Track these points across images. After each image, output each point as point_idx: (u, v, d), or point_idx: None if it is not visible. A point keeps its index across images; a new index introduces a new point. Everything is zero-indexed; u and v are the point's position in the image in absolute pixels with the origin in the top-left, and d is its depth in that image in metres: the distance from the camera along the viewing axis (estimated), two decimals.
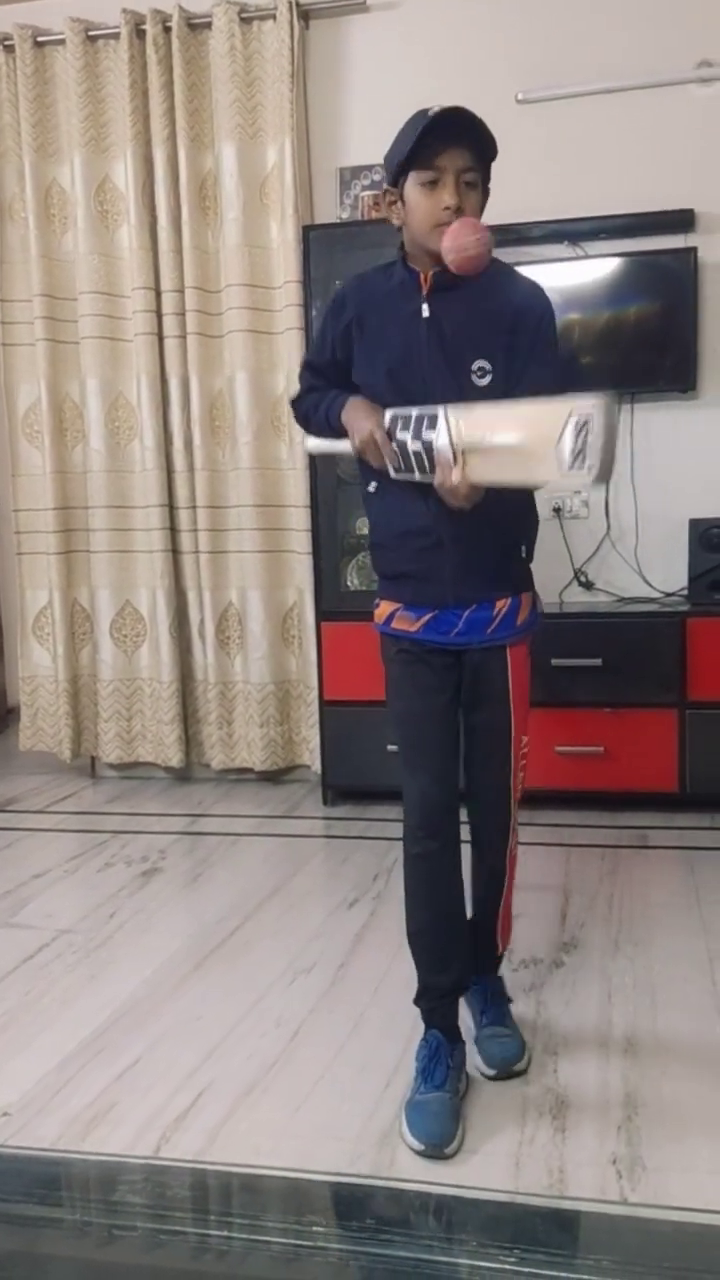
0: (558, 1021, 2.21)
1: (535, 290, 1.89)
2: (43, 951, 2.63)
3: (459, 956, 1.98)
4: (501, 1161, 1.76)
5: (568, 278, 3.67)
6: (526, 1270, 1.55)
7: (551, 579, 3.84)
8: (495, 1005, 2.12)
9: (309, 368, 2.02)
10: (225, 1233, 1.69)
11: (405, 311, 1.84)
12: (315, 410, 1.96)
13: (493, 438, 1.69)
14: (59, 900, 2.98)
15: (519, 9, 3.72)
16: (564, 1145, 1.80)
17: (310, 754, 3.98)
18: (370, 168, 3.82)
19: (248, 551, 3.95)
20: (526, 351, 1.83)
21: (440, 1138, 1.79)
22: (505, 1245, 1.61)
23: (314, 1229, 1.70)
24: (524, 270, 3.66)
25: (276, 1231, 1.70)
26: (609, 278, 3.65)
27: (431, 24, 3.79)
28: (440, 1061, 1.91)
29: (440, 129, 1.78)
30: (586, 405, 1.63)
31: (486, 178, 1.86)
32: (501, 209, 3.66)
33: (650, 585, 3.79)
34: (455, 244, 1.75)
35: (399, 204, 1.84)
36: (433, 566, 1.88)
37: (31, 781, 4.23)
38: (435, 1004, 1.97)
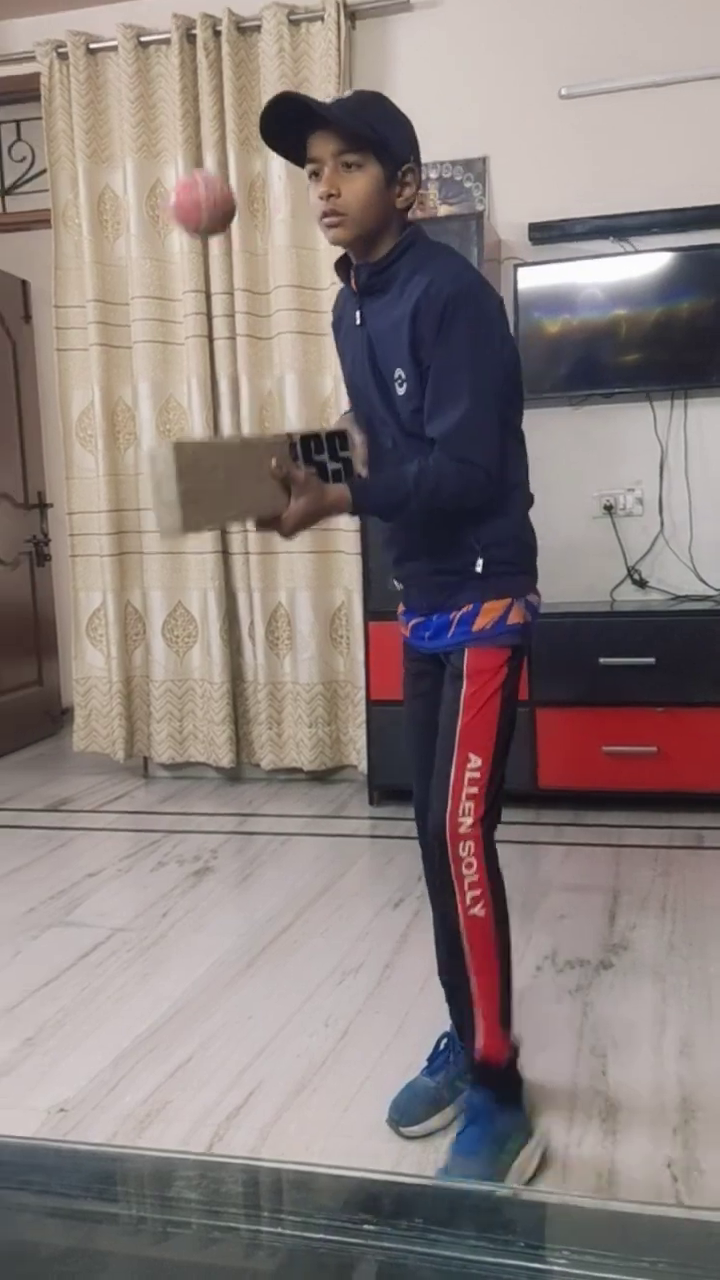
0: (607, 1023, 2.20)
1: (438, 277, 1.66)
2: (97, 950, 2.67)
3: (452, 968, 1.84)
4: (548, 1162, 1.76)
5: (616, 273, 3.64)
6: (577, 1272, 1.54)
7: (604, 577, 3.81)
8: (469, 1124, 1.77)
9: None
10: (277, 1229, 1.70)
11: (351, 320, 1.80)
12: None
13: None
14: (113, 899, 3.02)
15: (561, 5, 3.70)
16: (615, 1148, 1.79)
17: (357, 754, 3.99)
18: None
19: (297, 552, 3.97)
20: (431, 351, 1.66)
21: (402, 1117, 1.86)
22: (554, 1246, 1.61)
23: (364, 1227, 1.71)
24: (568, 266, 3.70)
25: (326, 1229, 1.70)
26: (658, 273, 3.61)
27: (474, 21, 3.78)
28: (441, 1053, 1.95)
29: (285, 118, 1.66)
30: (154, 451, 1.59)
31: (388, 156, 1.67)
32: (545, 205, 3.70)
33: (705, 583, 3.75)
34: (172, 199, 1.70)
35: None
36: (406, 575, 1.89)
37: (86, 781, 4.29)
38: (447, 995, 1.93)
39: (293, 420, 3.89)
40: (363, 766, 3.92)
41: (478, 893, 1.72)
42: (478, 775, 1.74)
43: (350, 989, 2.41)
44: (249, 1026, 2.25)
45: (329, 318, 3.78)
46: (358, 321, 1.78)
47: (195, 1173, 1.78)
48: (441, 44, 3.81)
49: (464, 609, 1.77)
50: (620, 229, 3.66)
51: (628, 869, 3.05)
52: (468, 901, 1.72)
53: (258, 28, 3.84)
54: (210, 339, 3.98)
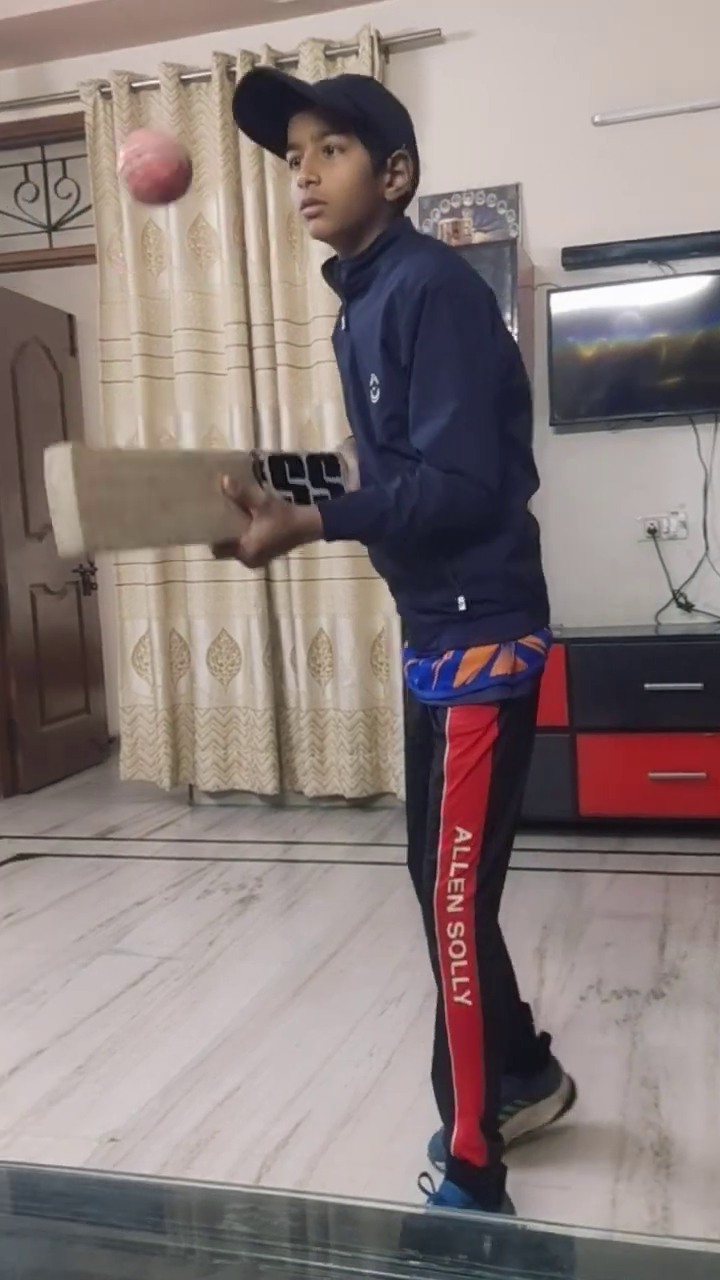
0: (659, 1054, 2.17)
1: (418, 270, 1.46)
2: (146, 978, 2.69)
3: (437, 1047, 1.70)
4: (596, 1198, 1.74)
5: (655, 297, 3.64)
6: None
7: (648, 601, 3.79)
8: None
9: None
10: (324, 1264, 1.70)
11: (339, 327, 1.64)
12: None
13: None
14: (160, 927, 3.04)
15: (591, 33, 3.73)
16: (668, 1183, 1.77)
17: (396, 781, 4.00)
18: (450, 195, 3.85)
19: (338, 579, 3.99)
20: (409, 350, 1.46)
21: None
22: None
23: (410, 1263, 1.70)
24: (603, 290, 3.72)
25: (375, 1264, 1.70)
26: (699, 296, 3.61)
27: (505, 51, 3.82)
28: None
29: (261, 96, 1.48)
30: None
31: (375, 139, 1.49)
32: (577, 231, 3.72)
33: None
34: (122, 164, 1.50)
35: None
36: (398, 607, 1.70)
37: (132, 809, 4.32)
38: None
39: (331, 449, 3.92)
40: (401, 794, 3.92)
41: (465, 979, 1.57)
42: (467, 850, 1.55)
43: (393, 1018, 2.40)
44: (296, 1055, 2.26)
45: None
46: (343, 328, 1.61)
47: (244, 1205, 1.79)
48: (473, 74, 3.85)
49: (445, 657, 1.57)
50: (660, 252, 3.66)
51: (677, 897, 3.02)
52: (453, 987, 1.58)
53: (295, 63, 3.90)
54: (251, 369, 4.03)
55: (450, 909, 1.57)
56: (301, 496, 1.58)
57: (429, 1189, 1.66)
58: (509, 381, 1.55)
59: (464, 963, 1.57)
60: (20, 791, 4.68)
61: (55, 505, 1.33)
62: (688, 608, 3.78)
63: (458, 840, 1.56)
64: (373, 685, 4.05)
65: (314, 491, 1.59)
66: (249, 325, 4.02)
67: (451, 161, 3.87)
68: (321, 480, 1.60)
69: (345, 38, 3.86)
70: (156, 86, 4.05)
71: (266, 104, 1.49)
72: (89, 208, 4.27)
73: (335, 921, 2.99)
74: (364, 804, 4.12)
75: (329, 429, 3.94)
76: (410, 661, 1.67)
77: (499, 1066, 1.62)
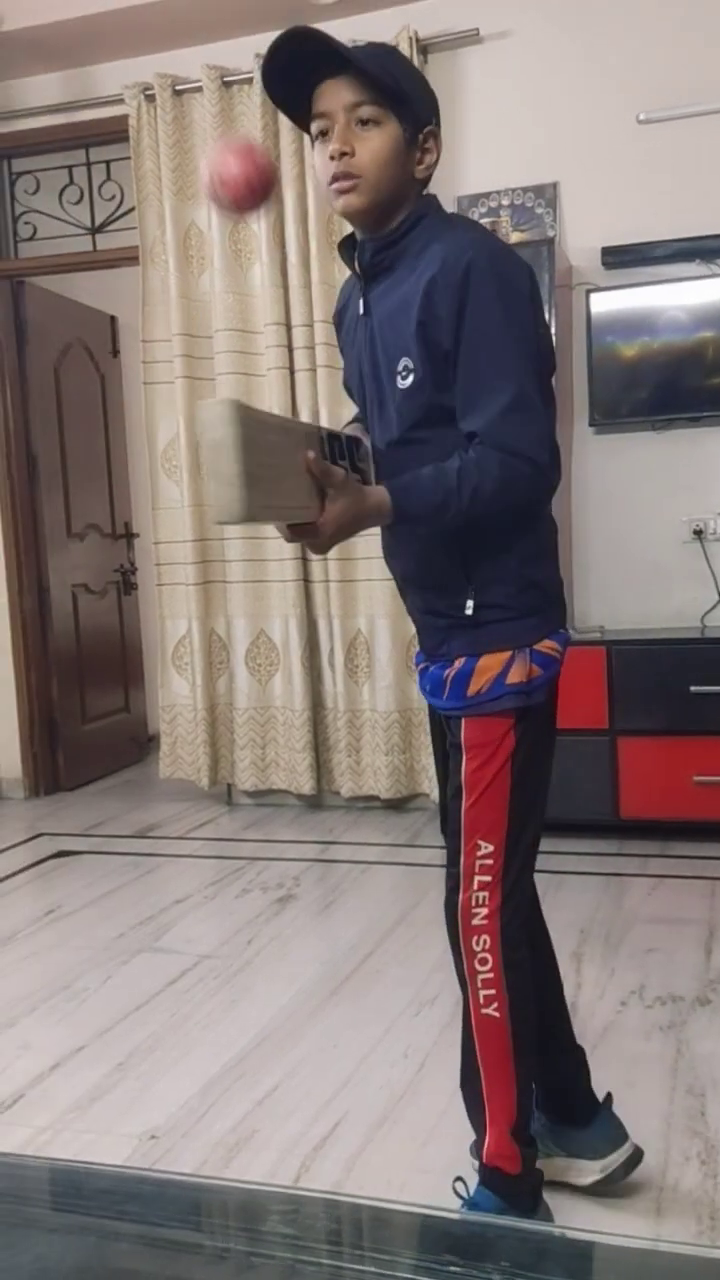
0: (705, 1062, 2.14)
1: (460, 248, 1.40)
2: (185, 976, 2.69)
3: (547, 1066, 1.69)
4: (641, 1206, 1.72)
5: (701, 296, 3.60)
6: None
7: (694, 602, 3.75)
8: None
9: (345, 388, 1.75)
10: (360, 1266, 1.69)
11: (355, 310, 1.58)
12: None
13: None
14: (199, 925, 3.05)
15: (631, 32, 3.70)
16: (716, 1191, 1.74)
17: (430, 782, 3.98)
18: (488, 195, 3.84)
19: (376, 580, 3.98)
20: (454, 335, 1.39)
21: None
22: None
23: (450, 1268, 1.69)
24: (645, 290, 3.68)
25: (411, 1269, 1.68)
26: None
27: (544, 50, 3.80)
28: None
29: (298, 57, 1.39)
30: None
31: (409, 114, 1.43)
32: (617, 230, 3.69)
33: None
34: (207, 174, 1.40)
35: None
36: (409, 607, 1.63)
37: (172, 808, 4.34)
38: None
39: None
40: (435, 796, 3.91)
41: (492, 992, 1.53)
42: (490, 863, 1.51)
43: (427, 1019, 2.39)
44: (333, 1056, 2.25)
45: None
46: (361, 311, 1.54)
47: (284, 1206, 1.78)
48: (512, 74, 3.83)
49: (457, 665, 1.51)
50: (706, 251, 3.62)
51: None
52: (480, 1000, 1.54)
53: None
54: (291, 370, 4.03)
55: (475, 922, 1.53)
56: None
57: (464, 1194, 1.63)
58: (547, 370, 1.49)
59: (490, 975, 1.53)
60: (61, 789, 4.71)
61: (218, 468, 1.22)
62: None
63: (480, 854, 1.51)
64: (408, 686, 4.04)
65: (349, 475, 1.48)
66: (289, 327, 4.02)
67: (489, 161, 3.85)
68: (354, 463, 1.50)
69: (385, 38, 3.84)
70: (199, 89, 4.07)
71: (297, 69, 1.41)
72: (132, 210, 4.29)
73: (371, 922, 2.99)
74: (398, 805, 4.11)
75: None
76: (421, 666, 1.61)
77: (529, 1074, 1.59)
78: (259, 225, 4.02)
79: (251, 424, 1.24)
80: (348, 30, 3.84)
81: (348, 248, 1.56)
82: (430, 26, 3.83)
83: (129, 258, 4.33)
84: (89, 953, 2.87)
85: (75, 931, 3.04)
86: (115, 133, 4.25)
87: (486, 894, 1.51)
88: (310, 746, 4.11)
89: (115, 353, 5.26)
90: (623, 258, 3.70)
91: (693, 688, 3.38)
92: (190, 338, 4.13)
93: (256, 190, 1.41)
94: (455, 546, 1.49)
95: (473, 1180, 1.65)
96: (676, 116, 3.67)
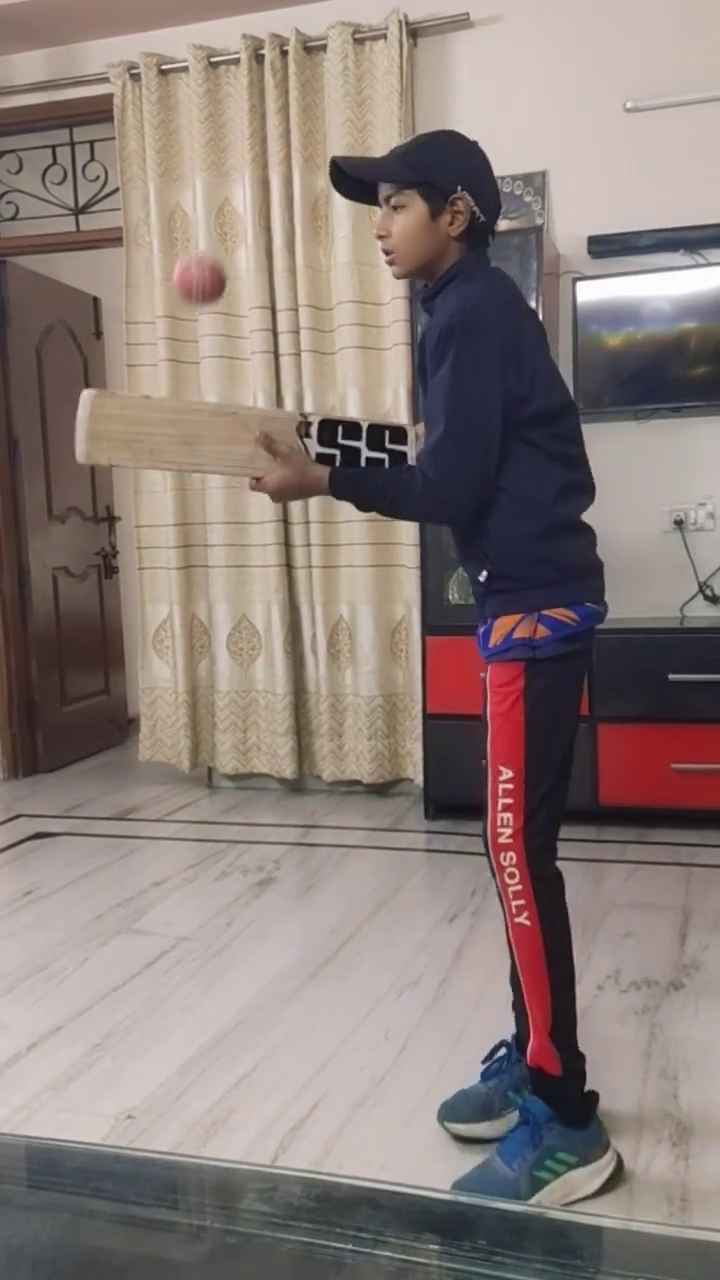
0: (678, 1045, 2.17)
1: (451, 306, 1.74)
2: (163, 958, 2.70)
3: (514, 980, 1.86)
4: (614, 1189, 1.74)
5: (684, 286, 3.61)
6: None
7: (674, 592, 3.77)
8: (517, 1127, 1.78)
9: None
10: (338, 1244, 1.70)
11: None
12: None
13: None
14: (178, 908, 3.05)
15: (622, 19, 3.69)
16: (687, 1173, 1.76)
17: (414, 767, 4.00)
18: None
19: (358, 566, 3.99)
20: (433, 377, 1.77)
21: (449, 1114, 1.91)
22: (624, 1273, 1.58)
23: (430, 1247, 1.70)
24: (631, 279, 3.69)
25: (391, 1246, 1.70)
26: None
27: (535, 38, 3.79)
28: (496, 1060, 1.96)
29: (342, 180, 1.83)
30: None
31: (431, 191, 1.75)
32: (604, 219, 3.69)
33: None
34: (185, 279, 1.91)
35: None
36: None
37: (151, 791, 4.34)
38: (513, 1004, 1.91)
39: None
40: (419, 780, 3.92)
41: (522, 902, 1.74)
42: (510, 787, 1.75)
43: (409, 1002, 2.41)
44: (313, 1037, 2.26)
45: (390, 333, 3.89)
46: (419, 339, 1.87)
47: (261, 1184, 1.79)
48: (502, 60, 3.82)
49: (487, 622, 1.81)
50: (691, 241, 3.63)
51: (699, 888, 3.01)
52: (513, 910, 1.75)
53: (323, 47, 3.88)
54: (276, 354, 4.02)
55: (501, 840, 1.76)
56: (352, 456, 1.84)
57: (519, 1102, 1.82)
58: (538, 398, 1.74)
59: (519, 887, 1.74)
60: (40, 771, 4.70)
61: (76, 429, 1.80)
62: (714, 600, 3.75)
63: (501, 779, 1.76)
64: (392, 672, 4.05)
65: (367, 454, 1.85)
66: (273, 310, 4.01)
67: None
68: (382, 446, 1.86)
69: (374, 21, 3.83)
70: (185, 69, 4.04)
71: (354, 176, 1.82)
72: (116, 190, 4.26)
73: (352, 905, 3.00)
74: (381, 790, 4.12)
75: (353, 414, 3.92)
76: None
77: (565, 981, 1.76)
78: (244, 208, 4.00)
79: (114, 405, 1.85)
80: (337, 13, 3.83)
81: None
82: (420, 10, 3.82)
83: (113, 239, 4.29)
84: (67, 934, 2.87)
85: (53, 913, 3.04)
86: (100, 112, 4.21)
87: (510, 815, 1.75)
88: (292, 731, 4.11)
89: (98, 334, 5.23)
90: (609, 247, 3.70)
91: (671, 676, 3.40)
92: (174, 320, 4.11)
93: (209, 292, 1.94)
94: (475, 529, 1.78)
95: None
96: (664, 105, 3.67)
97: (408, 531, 3.91)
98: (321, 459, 1.83)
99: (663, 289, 3.62)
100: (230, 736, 4.23)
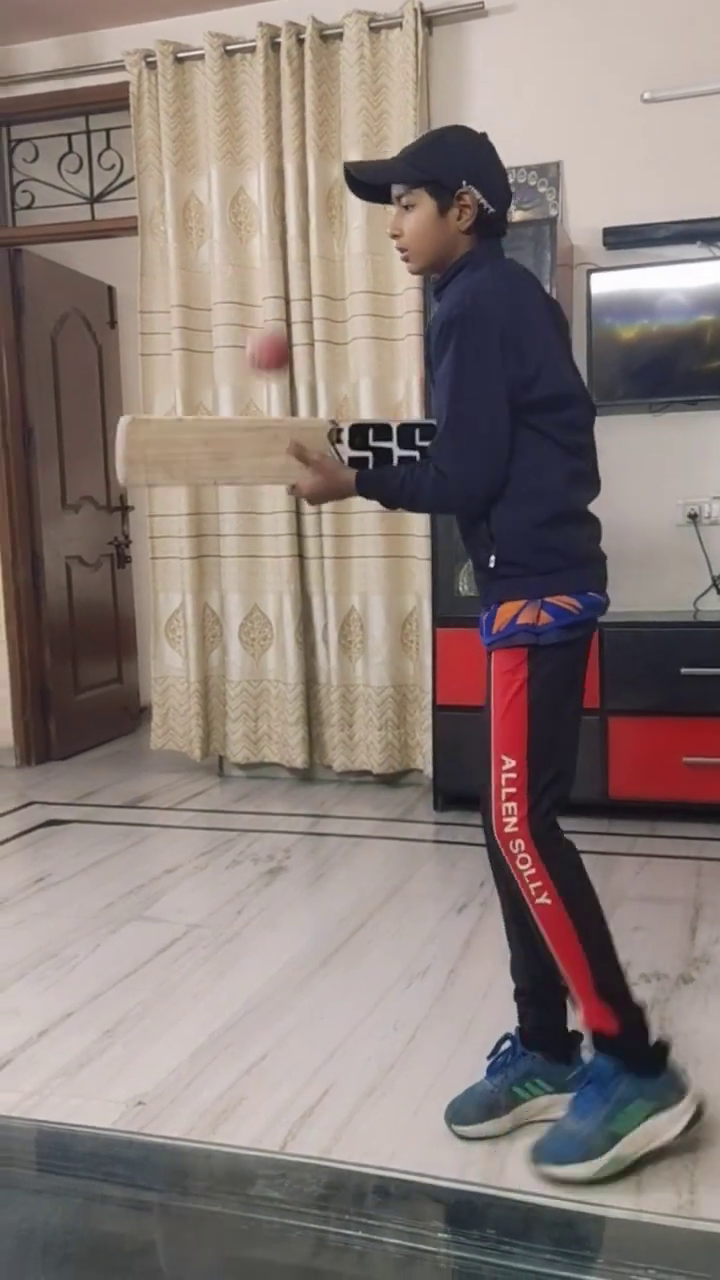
0: (688, 1039, 2.17)
1: (453, 297, 1.79)
2: (174, 945, 2.71)
3: (517, 957, 1.93)
4: (623, 1180, 1.74)
5: (701, 279, 3.59)
6: None
7: (687, 586, 3.76)
8: (586, 1085, 1.82)
9: None
10: (346, 1231, 1.72)
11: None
12: None
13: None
14: (189, 896, 3.06)
15: (638, 8, 3.67)
16: (695, 1167, 1.77)
17: (423, 758, 4.00)
18: None
19: (370, 557, 3.99)
20: (436, 369, 1.83)
21: (455, 1116, 1.89)
22: (632, 1264, 1.59)
23: (438, 1235, 1.71)
24: (645, 271, 3.67)
25: (394, 1233, 1.71)
26: None
27: (549, 25, 3.77)
28: (501, 1054, 1.95)
29: (357, 185, 1.89)
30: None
31: (438, 188, 1.79)
32: (619, 211, 3.67)
33: None
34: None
35: None
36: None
37: (163, 779, 4.36)
38: (515, 995, 1.96)
39: None
40: (428, 771, 3.93)
41: (539, 884, 1.76)
42: (514, 776, 1.77)
43: (418, 992, 2.42)
44: (322, 1026, 2.27)
45: (403, 323, 3.88)
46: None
47: (270, 1171, 1.81)
48: (516, 48, 3.80)
49: (490, 608, 1.83)
50: (707, 233, 3.61)
51: (710, 881, 3.01)
52: (532, 892, 1.77)
53: (339, 35, 3.87)
54: (289, 345, 4.01)
55: (507, 829, 1.77)
56: (384, 457, 1.91)
57: (587, 1060, 1.83)
58: (543, 388, 1.76)
59: (533, 870, 1.76)
60: (52, 758, 4.73)
61: (115, 454, 1.89)
62: None
63: (505, 768, 1.78)
64: (403, 663, 4.05)
65: (400, 453, 1.91)
66: (287, 300, 4.00)
67: (495, 137, 3.73)
68: (413, 444, 1.91)
69: (389, 9, 3.81)
70: (201, 57, 4.03)
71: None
72: (131, 179, 4.26)
73: (362, 895, 3.01)
74: (391, 780, 4.13)
75: (365, 405, 3.93)
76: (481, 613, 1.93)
77: (601, 946, 1.78)
78: (259, 197, 4.00)
79: (152, 430, 1.93)
80: (353, 2, 3.81)
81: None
82: None
83: (128, 228, 4.30)
84: (78, 921, 2.89)
85: (65, 900, 3.05)
86: (115, 100, 4.21)
87: (514, 804, 1.77)
88: (303, 720, 4.12)
89: (113, 323, 5.23)
90: (624, 238, 3.69)
91: (683, 670, 3.40)
92: (188, 309, 4.11)
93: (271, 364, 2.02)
94: (482, 517, 1.81)
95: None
96: (681, 96, 3.65)
97: (419, 523, 3.91)
98: (355, 463, 1.89)
99: (678, 281, 3.61)
100: (241, 726, 4.24)
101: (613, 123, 3.73)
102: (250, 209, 4.05)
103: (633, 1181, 1.74)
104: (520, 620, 1.78)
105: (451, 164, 1.81)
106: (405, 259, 1.87)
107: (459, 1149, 1.84)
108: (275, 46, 3.94)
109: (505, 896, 1.89)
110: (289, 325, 4.00)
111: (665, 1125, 1.74)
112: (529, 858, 1.76)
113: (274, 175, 3.97)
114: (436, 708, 3.75)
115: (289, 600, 4.09)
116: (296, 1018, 2.32)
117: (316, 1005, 2.37)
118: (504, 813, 1.77)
